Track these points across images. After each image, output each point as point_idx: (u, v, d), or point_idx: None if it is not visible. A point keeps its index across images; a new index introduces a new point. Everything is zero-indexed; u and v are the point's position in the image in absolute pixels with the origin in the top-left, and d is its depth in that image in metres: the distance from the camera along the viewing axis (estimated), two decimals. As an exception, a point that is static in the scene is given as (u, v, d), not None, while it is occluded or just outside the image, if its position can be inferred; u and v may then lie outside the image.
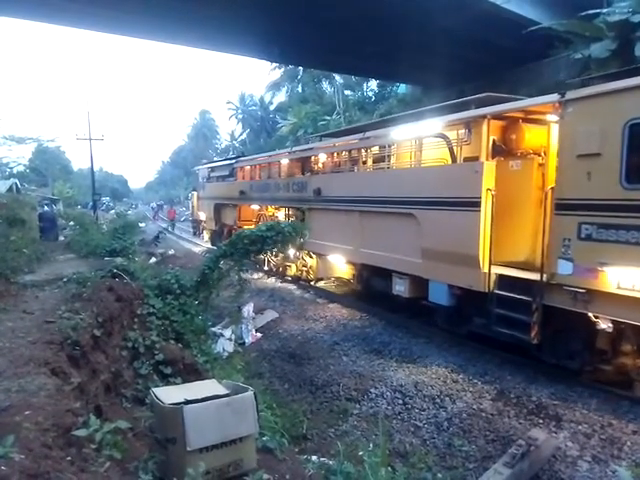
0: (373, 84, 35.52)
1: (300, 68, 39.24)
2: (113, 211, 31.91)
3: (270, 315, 10.48)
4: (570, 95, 5.81)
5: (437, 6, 15.32)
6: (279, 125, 42.95)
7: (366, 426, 5.76)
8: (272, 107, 55.14)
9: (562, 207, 5.85)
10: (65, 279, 5.92)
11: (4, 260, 6.13)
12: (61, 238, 13.92)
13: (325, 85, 40.11)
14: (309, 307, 11.06)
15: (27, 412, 2.42)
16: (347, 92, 36.71)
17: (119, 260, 7.41)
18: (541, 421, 5.48)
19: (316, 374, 7.35)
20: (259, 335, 9.38)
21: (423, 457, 5.06)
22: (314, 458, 4.10)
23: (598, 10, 13.27)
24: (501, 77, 18.34)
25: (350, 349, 8.22)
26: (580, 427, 5.24)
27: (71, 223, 14.75)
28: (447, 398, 6.17)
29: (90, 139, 26.74)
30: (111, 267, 6.33)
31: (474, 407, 5.90)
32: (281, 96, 49.13)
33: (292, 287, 13.31)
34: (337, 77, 36.08)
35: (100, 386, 3.86)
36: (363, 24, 17.01)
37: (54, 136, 77.33)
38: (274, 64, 39.88)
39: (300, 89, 43.36)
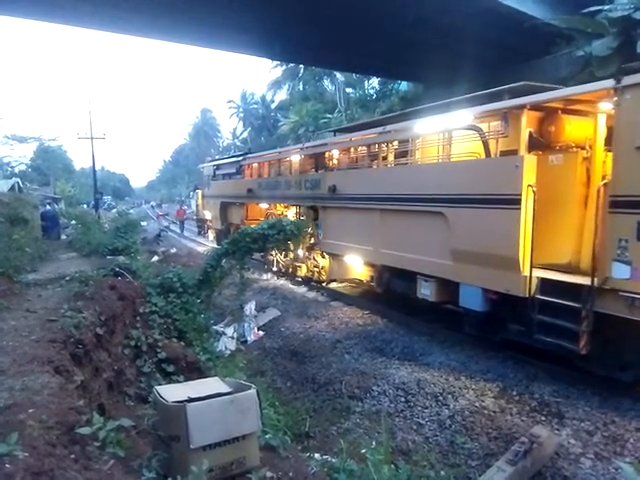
0: (374, 82, 35.46)
1: (301, 66, 39.21)
2: (115, 210, 31.97)
3: (272, 313, 10.50)
4: (627, 80, 5.24)
5: (438, 3, 15.29)
6: (280, 123, 43.01)
7: (369, 424, 5.76)
8: (273, 105, 55.18)
9: (618, 204, 5.29)
10: (68, 278, 5.92)
11: (7, 259, 6.12)
12: (63, 237, 13.93)
13: (326, 83, 40.16)
14: (311, 305, 11.07)
15: (31, 410, 2.42)
16: (348, 90, 36.70)
17: (121, 259, 7.42)
18: (543, 418, 5.48)
19: (318, 372, 7.37)
20: (261, 333, 9.40)
21: (426, 455, 5.06)
22: (317, 456, 4.10)
23: (600, 7, 13.23)
24: (503, 74, 18.22)
25: (352, 347, 8.22)
26: (583, 424, 5.24)
27: (73, 222, 14.75)
28: (449, 396, 6.17)
29: (92, 138, 26.83)
30: (113, 266, 6.34)
31: (476, 405, 5.90)
32: (282, 94, 49.17)
33: (293, 285, 13.31)
34: (338, 75, 36.11)
35: (103, 384, 3.87)
36: (364, 22, 16.99)
37: (56, 135, 77.70)
38: (275, 62, 39.87)
39: (301, 87, 43.37)
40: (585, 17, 13.60)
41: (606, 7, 13.16)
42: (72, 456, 2.26)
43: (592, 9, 13.29)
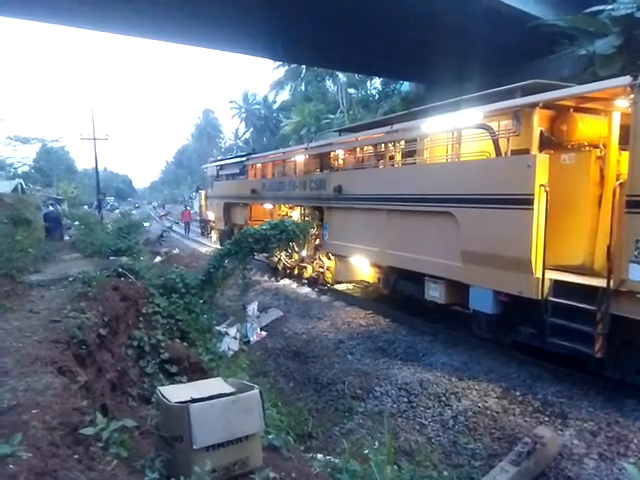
0: (377, 82, 35.44)
1: (303, 66, 39.20)
2: (117, 211, 32.07)
3: (274, 314, 10.50)
4: None
5: (440, 2, 15.28)
6: (282, 124, 42.98)
7: (371, 424, 5.76)
8: (275, 106, 55.25)
9: (636, 204, 5.13)
10: (71, 278, 5.94)
11: (10, 260, 6.16)
12: (66, 238, 13.99)
13: (328, 83, 40.07)
14: (313, 306, 11.07)
15: (34, 411, 2.43)
16: (350, 90, 36.65)
17: (124, 259, 7.44)
18: (547, 419, 5.46)
19: (321, 372, 7.37)
20: (264, 334, 9.40)
21: (429, 455, 5.05)
22: (320, 456, 4.09)
23: (603, 7, 13.18)
24: (506, 74, 18.22)
25: (355, 347, 8.21)
26: (586, 425, 5.21)
27: (76, 223, 14.82)
28: (452, 396, 6.16)
29: (94, 139, 26.92)
30: (116, 266, 6.35)
31: (479, 405, 5.89)
32: (284, 95, 49.18)
33: (295, 285, 13.32)
34: (340, 75, 36.05)
35: (106, 385, 3.88)
36: (366, 21, 16.98)
37: (58, 136, 78.03)
38: (277, 63, 39.86)
39: (303, 87, 43.31)
40: (588, 16, 13.55)
41: (609, 6, 13.12)
42: (75, 456, 2.27)
43: (595, 8, 13.24)
